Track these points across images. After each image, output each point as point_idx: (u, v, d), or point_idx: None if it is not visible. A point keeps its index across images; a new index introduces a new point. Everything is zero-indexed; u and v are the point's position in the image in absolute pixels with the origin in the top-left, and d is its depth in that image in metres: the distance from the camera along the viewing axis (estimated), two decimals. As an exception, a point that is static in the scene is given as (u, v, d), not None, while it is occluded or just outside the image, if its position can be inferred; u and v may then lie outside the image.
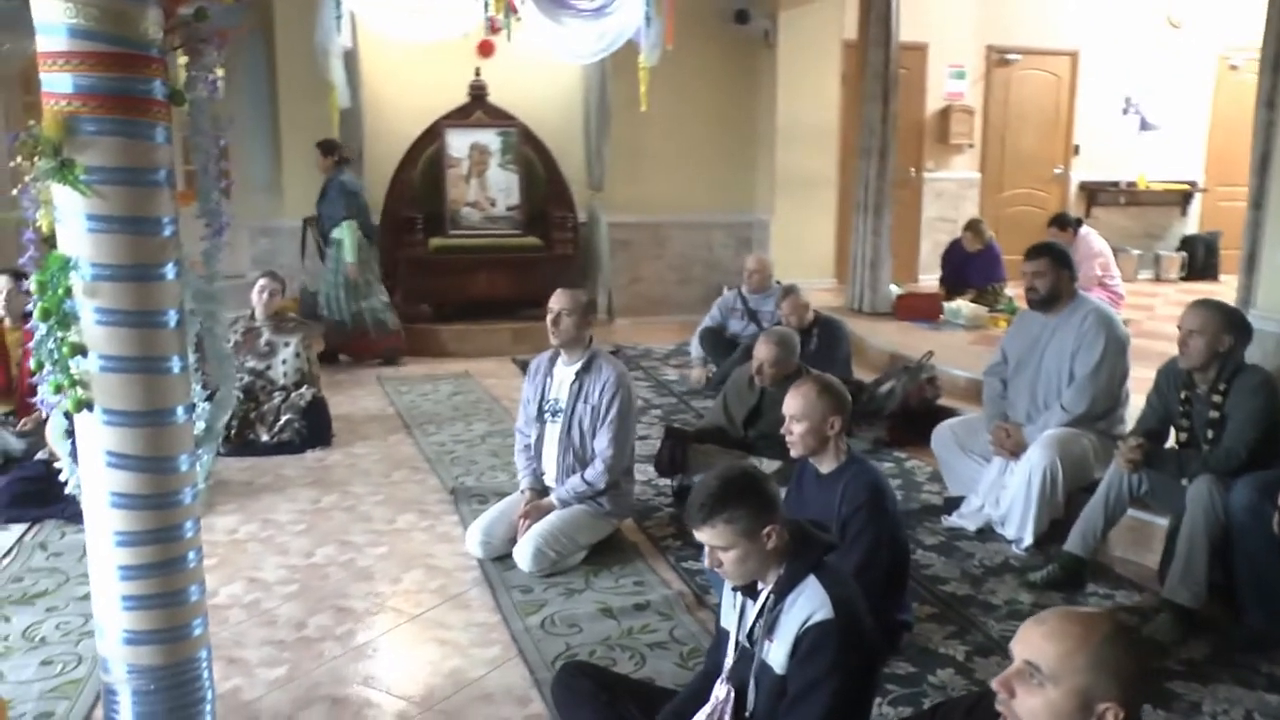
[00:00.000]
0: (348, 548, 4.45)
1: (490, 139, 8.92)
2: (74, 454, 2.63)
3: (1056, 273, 4.60)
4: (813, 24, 9.64)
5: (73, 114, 2.32)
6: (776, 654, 2.42)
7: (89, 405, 2.42)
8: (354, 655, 3.54)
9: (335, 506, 4.94)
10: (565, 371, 4.45)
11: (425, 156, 8.93)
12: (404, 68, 8.90)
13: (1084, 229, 8.47)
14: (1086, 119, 11.10)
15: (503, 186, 8.93)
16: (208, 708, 2.70)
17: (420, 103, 8.91)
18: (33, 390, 5.53)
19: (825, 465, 3.43)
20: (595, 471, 4.32)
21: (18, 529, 4.64)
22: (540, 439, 4.48)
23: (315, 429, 5.86)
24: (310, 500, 5.02)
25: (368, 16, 7.71)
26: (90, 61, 2.32)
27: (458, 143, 8.85)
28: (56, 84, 2.34)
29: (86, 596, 3.89)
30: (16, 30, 8.29)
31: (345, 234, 7.78)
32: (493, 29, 8.46)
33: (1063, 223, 8.31)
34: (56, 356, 2.39)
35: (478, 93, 8.97)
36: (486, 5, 7.83)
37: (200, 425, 2.61)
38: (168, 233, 2.46)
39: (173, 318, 2.49)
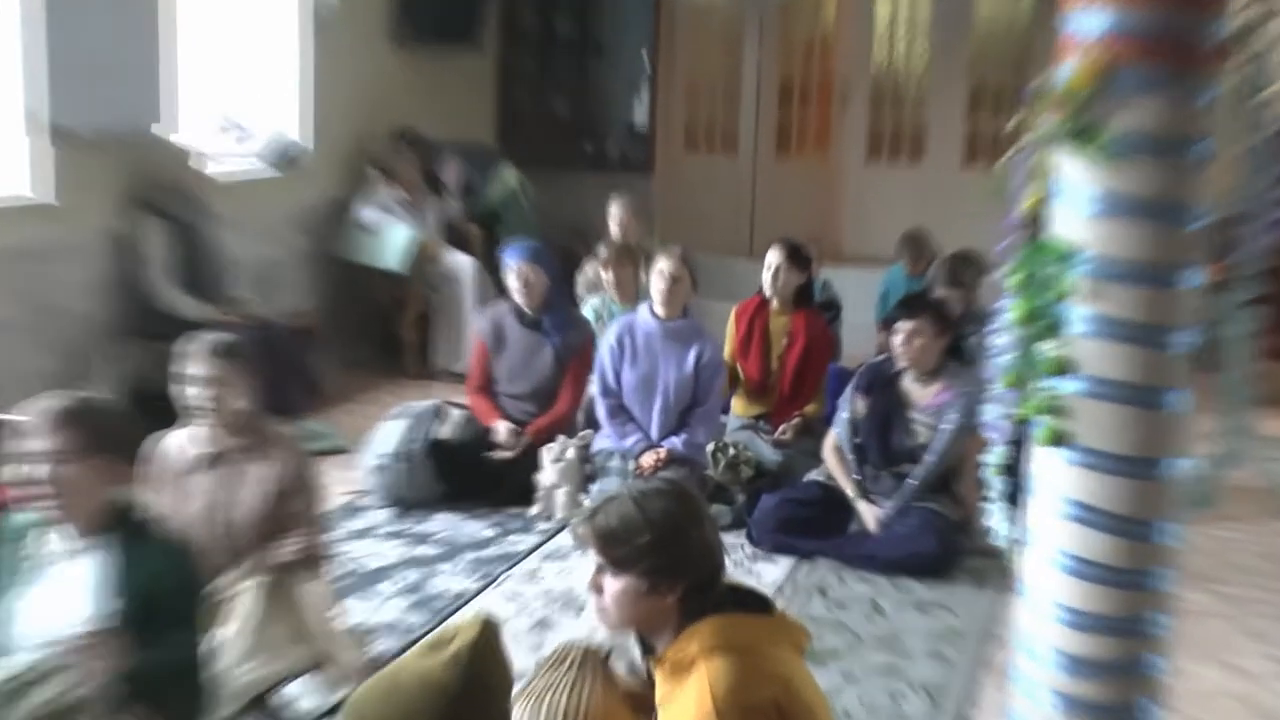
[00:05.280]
0: (1237, 673, 3.45)
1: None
2: (1011, 495, 2.15)
3: None
4: None
5: (1107, 63, 1.81)
6: None
7: (1065, 439, 1.89)
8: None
9: (1208, 611, 3.84)
10: None
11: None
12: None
13: None
14: None
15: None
16: None
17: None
18: (795, 392, 4.66)
19: None
20: None
21: (785, 562, 3.98)
22: None
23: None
24: (1170, 597, 4.07)
25: None
26: (1140, -7, 1.79)
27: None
28: (1086, 23, 1.85)
29: (889, 669, 3.28)
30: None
31: None
32: None
33: None
34: (1033, 372, 1.90)
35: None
36: None
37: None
38: (1196, 226, 1.85)
39: (1183, 339, 1.87)
